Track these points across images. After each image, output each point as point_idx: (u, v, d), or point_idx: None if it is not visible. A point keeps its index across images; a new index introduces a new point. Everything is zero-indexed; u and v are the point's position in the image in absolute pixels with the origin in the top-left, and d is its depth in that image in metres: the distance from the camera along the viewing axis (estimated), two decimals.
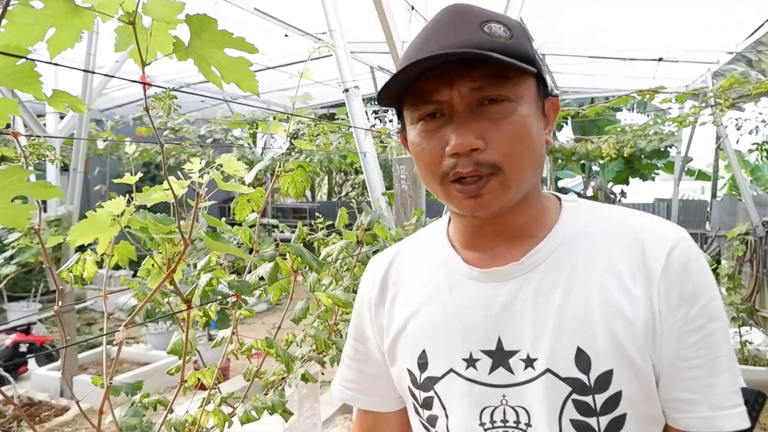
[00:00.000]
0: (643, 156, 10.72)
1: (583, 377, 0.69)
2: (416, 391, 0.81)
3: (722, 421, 0.68)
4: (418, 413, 0.82)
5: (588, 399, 0.69)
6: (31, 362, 4.70)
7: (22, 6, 0.63)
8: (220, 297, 1.16)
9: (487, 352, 0.75)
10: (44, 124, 3.98)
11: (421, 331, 0.81)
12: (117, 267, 1.36)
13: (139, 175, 1.27)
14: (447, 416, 0.77)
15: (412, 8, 2.11)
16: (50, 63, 0.63)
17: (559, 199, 0.82)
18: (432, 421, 0.80)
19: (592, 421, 0.69)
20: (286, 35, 4.29)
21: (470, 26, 0.70)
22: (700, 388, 0.69)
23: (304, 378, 1.42)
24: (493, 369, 0.74)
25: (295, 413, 1.76)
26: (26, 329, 4.88)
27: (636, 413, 0.70)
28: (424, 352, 0.80)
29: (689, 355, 0.69)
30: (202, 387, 1.37)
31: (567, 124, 11.86)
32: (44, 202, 4.47)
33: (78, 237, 0.90)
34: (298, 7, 4.97)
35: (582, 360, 0.70)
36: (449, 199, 0.73)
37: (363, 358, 0.91)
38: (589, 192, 12.69)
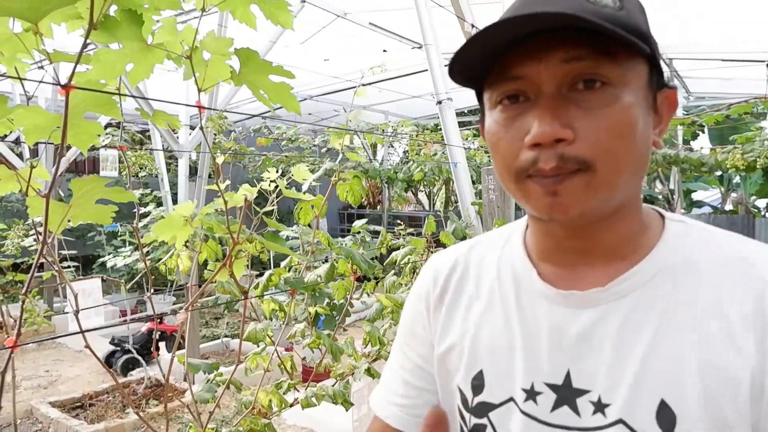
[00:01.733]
0: None
1: None
2: (466, 415, 0.71)
3: None
4: None
5: None
6: (162, 348, 5.27)
7: (105, 48, 0.79)
8: (281, 290, 1.29)
9: (552, 386, 0.64)
10: (177, 137, 4.48)
11: (479, 349, 0.70)
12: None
13: (227, 182, 1.46)
14: None
15: (473, 26, 2.15)
16: (118, 93, 0.78)
17: (662, 217, 0.69)
18: None
19: None
20: (384, 50, 4.46)
21: None
22: None
23: (369, 373, 1.53)
24: (556, 406, 0.64)
25: (366, 406, 1.87)
26: (159, 319, 5.49)
27: None
28: (481, 372, 0.70)
29: None
30: (305, 379, 1.52)
31: (703, 132, 10.97)
32: (176, 205, 4.99)
33: (159, 235, 1.07)
34: (405, 20, 5.16)
35: (665, 416, 0.58)
36: (526, 198, 0.61)
37: (412, 366, 0.79)
38: (728, 206, 11.60)
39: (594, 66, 0.56)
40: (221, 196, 1.03)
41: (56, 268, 1.04)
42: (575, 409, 0.63)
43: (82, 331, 1.03)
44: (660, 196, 11.61)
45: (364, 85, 1.44)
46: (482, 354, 0.70)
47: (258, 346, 1.44)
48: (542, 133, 0.56)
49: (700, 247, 0.64)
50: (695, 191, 12.20)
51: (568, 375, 0.63)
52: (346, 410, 1.45)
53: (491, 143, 0.63)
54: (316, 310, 1.62)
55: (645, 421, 0.59)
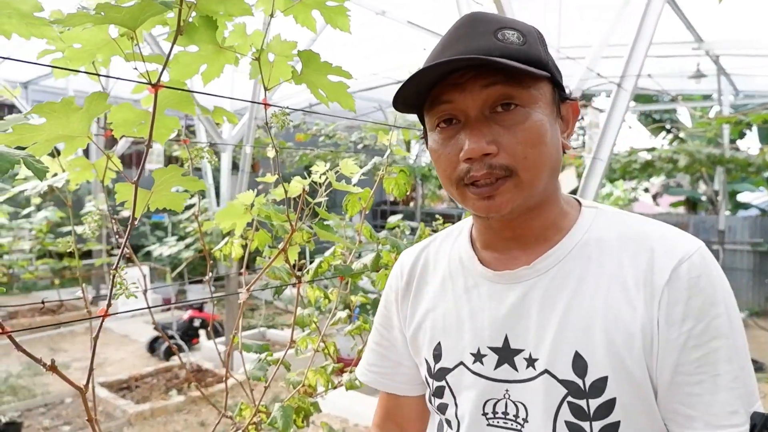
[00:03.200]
0: None
1: (579, 381, 0.72)
2: (430, 380, 0.87)
3: None
4: (431, 401, 0.89)
5: (582, 403, 0.72)
6: (203, 336, 5.46)
7: (183, 51, 0.88)
8: (328, 278, 1.37)
9: (494, 349, 0.79)
10: (221, 131, 4.63)
11: (437, 326, 0.86)
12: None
13: (276, 175, 1.55)
14: (456, 405, 0.83)
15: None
16: (196, 92, 0.87)
17: (580, 204, 0.84)
18: (442, 408, 0.86)
19: (585, 425, 0.72)
20: (424, 48, 4.51)
21: (484, 33, 0.71)
22: (699, 405, 0.69)
23: None
24: (498, 365, 0.79)
25: None
26: (200, 307, 5.68)
27: (630, 422, 0.71)
28: (439, 344, 0.86)
29: (691, 370, 0.69)
30: (341, 369, 1.59)
31: (750, 130, 10.64)
32: (218, 197, 5.16)
33: (221, 222, 1.16)
34: (443, 16, 5.19)
35: (579, 365, 0.72)
36: (465, 202, 0.76)
37: (387, 345, 0.97)
38: None
39: (508, 89, 0.70)
40: (273, 188, 1.11)
41: (128, 252, 1.14)
42: (513, 366, 0.77)
43: (149, 307, 1.13)
44: (703, 197, 11.31)
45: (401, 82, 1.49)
46: (440, 329, 0.86)
47: (303, 331, 1.52)
48: (472, 150, 0.70)
49: (607, 227, 0.78)
50: (741, 192, 11.82)
51: (506, 339, 0.78)
52: None
53: (434, 158, 0.78)
54: (359, 300, 1.70)
55: (564, 370, 0.73)
